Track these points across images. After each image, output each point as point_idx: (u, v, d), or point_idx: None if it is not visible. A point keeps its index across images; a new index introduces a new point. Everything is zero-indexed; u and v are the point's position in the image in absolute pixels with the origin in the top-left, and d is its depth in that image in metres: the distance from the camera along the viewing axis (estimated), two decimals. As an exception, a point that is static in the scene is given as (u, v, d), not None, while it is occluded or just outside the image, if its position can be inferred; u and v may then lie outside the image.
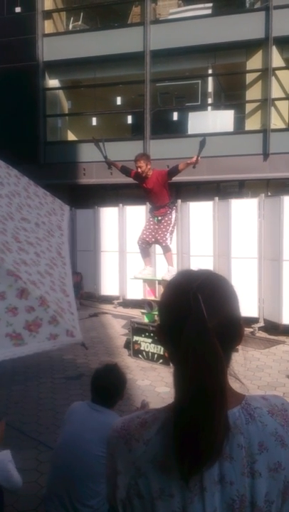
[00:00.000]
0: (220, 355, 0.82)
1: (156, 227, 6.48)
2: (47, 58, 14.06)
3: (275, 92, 12.36)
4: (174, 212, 6.46)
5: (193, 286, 0.86)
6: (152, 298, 6.69)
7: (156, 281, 6.75)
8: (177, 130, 13.52)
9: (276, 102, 12.46)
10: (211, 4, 13.23)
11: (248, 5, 13.20)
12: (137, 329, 6.50)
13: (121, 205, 10.19)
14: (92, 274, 10.66)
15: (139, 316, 7.30)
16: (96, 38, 13.50)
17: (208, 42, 12.36)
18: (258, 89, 12.54)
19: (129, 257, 9.67)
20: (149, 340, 6.33)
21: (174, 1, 14.41)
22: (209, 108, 13.83)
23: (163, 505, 0.85)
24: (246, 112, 12.98)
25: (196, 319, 0.82)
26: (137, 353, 6.52)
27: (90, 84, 14.61)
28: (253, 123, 12.69)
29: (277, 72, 12.38)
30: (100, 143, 6.57)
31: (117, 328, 8.44)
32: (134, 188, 7.15)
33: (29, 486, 3.24)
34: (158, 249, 7.35)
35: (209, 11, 13.07)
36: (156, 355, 6.24)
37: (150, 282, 6.88)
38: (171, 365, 0.91)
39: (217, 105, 14.20)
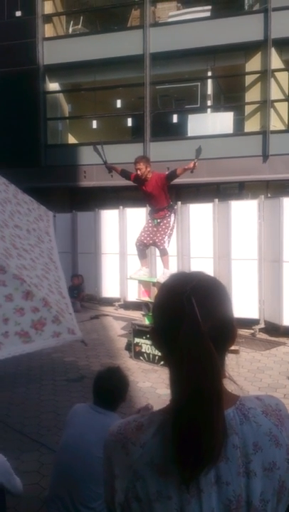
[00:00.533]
0: (215, 358, 0.83)
1: (155, 229, 6.51)
2: (47, 62, 14.11)
3: (275, 93, 12.39)
4: (173, 215, 6.48)
5: (186, 289, 0.87)
6: (147, 299, 6.72)
7: (151, 283, 6.78)
8: (177, 132, 13.56)
9: (275, 104, 12.49)
10: (209, 7, 13.28)
11: (246, 7, 13.25)
12: (138, 331, 6.52)
13: (121, 207, 10.22)
14: (93, 277, 10.69)
15: (140, 318, 7.33)
16: (96, 42, 13.55)
17: (208, 44, 12.41)
18: (258, 91, 12.57)
19: (130, 259, 9.69)
20: (150, 342, 6.35)
21: (173, 4, 14.46)
22: (209, 110, 13.87)
23: (161, 507, 0.85)
24: (246, 113, 13.02)
25: (190, 323, 0.83)
26: (138, 355, 6.54)
27: (90, 87, 14.67)
28: (252, 125, 12.72)
29: (276, 73, 12.42)
30: (99, 148, 6.58)
31: (118, 330, 8.46)
32: (135, 191, 7.17)
33: (31, 488, 3.26)
34: (156, 250, 7.37)
35: (208, 14, 13.12)
36: (157, 357, 6.25)
37: (145, 283, 6.90)
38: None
39: (216, 107, 14.24)
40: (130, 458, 0.89)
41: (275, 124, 12.42)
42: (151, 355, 6.36)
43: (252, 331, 7.77)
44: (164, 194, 6.27)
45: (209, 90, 13.62)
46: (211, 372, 0.82)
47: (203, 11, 13.19)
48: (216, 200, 8.70)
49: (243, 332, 7.83)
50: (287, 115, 12.90)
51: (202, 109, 13.85)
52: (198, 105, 13.90)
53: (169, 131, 13.78)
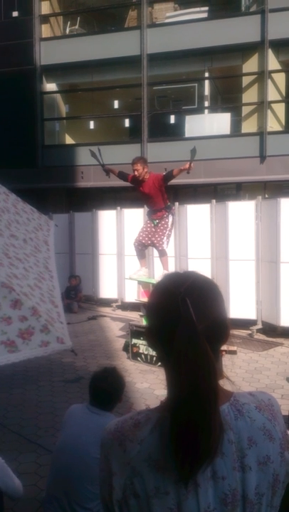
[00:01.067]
0: (211, 357, 0.85)
1: (154, 230, 6.51)
2: (44, 62, 14.10)
3: (271, 94, 12.42)
4: (170, 216, 6.48)
5: (180, 290, 0.88)
6: (146, 300, 6.72)
7: (151, 284, 6.77)
8: (174, 133, 13.57)
9: (272, 105, 12.52)
10: (207, 8, 13.32)
11: (243, 8, 13.28)
12: (136, 332, 6.51)
13: (119, 208, 10.22)
14: (90, 277, 10.68)
15: (138, 318, 7.33)
16: (93, 42, 13.56)
17: (205, 45, 12.43)
18: (255, 92, 12.60)
19: (128, 259, 9.69)
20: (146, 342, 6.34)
21: (170, 5, 14.49)
22: (206, 111, 13.89)
23: (158, 502, 0.87)
24: (243, 114, 13.04)
25: (186, 324, 0.85)
26: (135, 355, 6.54)
27: (87, 87, 14.66)
28: (249, 126, 12.75)
29: (273, 74, 12.45)
30: (97, 153, 6.56)
31: (115, 331, 8.46)
32: (132, 191, 7.17)
33: (28, 489, 3.25)
34: (155, 251, 7.38)
35: (205, 15, 13.15)
36: (154, 358, 6.25)
37: (144, 284, 6.90)
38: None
39: (214, 108, 14.26)
40: (128, 455, 0.90)
41: (272, 125, 12.45)
42: (148, 356, 6.36)
43: (249, 332, 7.78)
44: (161, 195, 6.27)
45: (206, 91, 13.65)
46: (207, 371, 0.84)
47: (201, 12, 13.23)
48: (214, 201, 8.71)
49: (240, 333, 7.84)
50: (284, 116, 12.94)
51: (199, 110, 13.87)
52: (196, 106, 13.92)
53: (167, 132, 13.79)
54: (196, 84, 13.89)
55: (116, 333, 8.28)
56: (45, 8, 14.53)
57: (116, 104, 14.29)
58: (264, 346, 7.24)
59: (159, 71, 13.30)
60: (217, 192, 13.68)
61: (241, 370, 6.10)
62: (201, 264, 8.25)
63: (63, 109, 15.14)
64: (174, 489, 0.87)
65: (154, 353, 6.30)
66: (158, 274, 6.98)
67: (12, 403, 5.11)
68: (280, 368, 6.17)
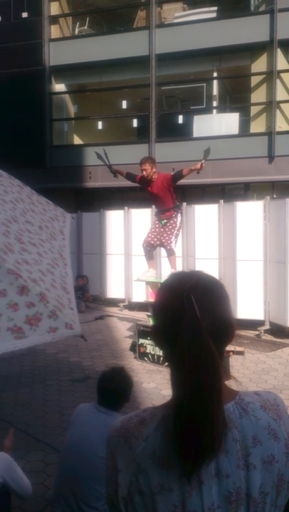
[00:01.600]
0: (215, 355, 0.85)
1: (162, 230, 6.51)
2: (53, 63, 14.16)
3: (280, 94, 12.37)
4: (179, 215, 6.47)
5: (185, 288, 0.89)
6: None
7: (159, 284, 6.78)
8: (182, 133, 13.55)
9: (281, 105, 12.46)
10: (215, 8, 13.28)
11: (252, 8, 13.24)
12: (143, 332, 6.52)
13: (126, 208, 10.23)
14: (97, 277, 10.70)
15: (145, 318, 7.34)
16: (102, 43, 13.58)
17: (213, 45, 12.41)
18: (263, 92, 12.55)
19: (135, 259, 9.70)
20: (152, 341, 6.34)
21: (178, 5, 14.48)
22: (214, 111, 13.86)
23: (163, 499, 0.88)
24: (251, 114, 13.00)
25: (190, 321, 0.85)
26: (142, 355, 6.54)
27: (95, 88, 14.70)
28: (258, 125, 12.70)
29: (282, 74, 12.39)
30: (103, 155, 6.57)
31: (122, 330, 8.47)
32: (140, 191, 7.18)
33: (36, 487, 3.26)
34: (163, 251, 7.38)
35: (214, 15, 13.12)
36: (161, 358, 6.25)
37: (153, 284, 6.90)
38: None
39: (222, 108, 14.23)
40: (133, 451, 0.91)
41: (281, 124, 12.39)
42: (155, 356, 6.36)
43: (257, 332, 7.75)
44: (170, 195, 6.26)
45: (215, 91, 13.62)
46: (211, 368, 0.84)
47: (209, 12, 13.20)
48: (222, 201, 8.69)
49: (248, 333, 7.81)
50: (293, 116, 12.87)
51: (208, 110, 13.84)
52: (204, 106, 13.90)
53: (175, 132, 13.78)
54: (205, 84, 13.86)
55: (123, 333, 8.29)
56: (54, 9, 14.59)
57: (124, 104, 14.31)
58: (272, 347, 7.21)
59: (167, 71, 13.30)
60: (225, 192, 13.64)
61: (249, 370, 6.08)
62: (208, 265, 8.23)
63: (72, 109, 15.19)
64: (178, 486, 0.87)
65: (161, 353, 6.31)
66: (165, 274, 6.97)
67: (20, 402, 5.14)
68: (288, 368, 6.14)
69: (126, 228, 10.15)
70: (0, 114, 14.02)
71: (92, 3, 15.47)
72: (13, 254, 2.01)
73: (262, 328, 7.78)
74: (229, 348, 6.33)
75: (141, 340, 6.56)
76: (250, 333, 7.80)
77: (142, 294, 9.09)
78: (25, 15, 14.36)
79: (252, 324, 7.84)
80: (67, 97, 15.05)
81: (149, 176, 6.14)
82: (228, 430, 0.88)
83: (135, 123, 14.49)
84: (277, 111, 12.27)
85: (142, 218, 9.61)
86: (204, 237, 8.63)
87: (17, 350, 1.87)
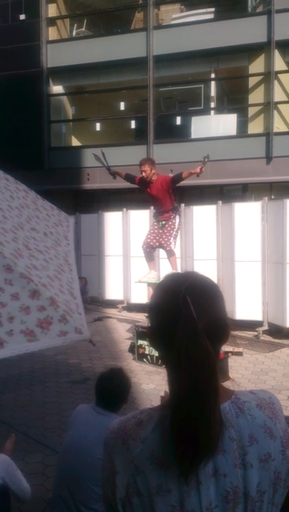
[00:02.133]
0: (211, 355, 0.86)
1: (160, 231, 6.52)
2: (51, 65, 14.18)
3: (278, 95, 12.39)
4: (177, 216, 6.49)
5: (181, 289, 0.90)
6: None
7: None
8: (180, 134, 13.57)
9: (279, 106, 12.49)
10: (213, 9, 13.31)
11: (250, 9, 13.26)
12: (142, 333, 6.53)
13: (125, 209, 10.24)
14: (96, 279, 10.70)
15: (144, 320, 7.34)
16: (99, 44, 13.60)
17: (211, 46, 12.43)
18: (261, 93, 12.58)
19: (133, 261, 9.70)
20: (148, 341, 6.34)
21: (176, 7, 14.50)
22: (212, 112, 13.88)
23: (161, 500, 0.88)
24: (249, 115, 13.02)
25: (186, 321, 0.86)
26: (141, 357, 6.55)
27: (93, 89, 14.71)
28: (255, 126, 12.72)
29: (279, 75, 12.42)
30: (101, 157, 6.58)
31: (121, 332, 8.47)
32: (138, 193, 7.20)
33: (35, 489, 3.26)
34: (162, 253, 7.39)
35: (211, 16, 13.14)
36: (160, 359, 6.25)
37: (154, 286, 6.91)
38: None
39: (220, 109, 14.25)
40: (131, 453, 0.91)
41: (279, 125, 12.42)
42: (154, 357, 6.36)
43: (255, 333, 7.77)
44: (168, 196, 6.28)
45: (213, 92, 13.64)
46: (208, 369, 0.85)
47: (207, 13, 13.22)
48: (220, 202, 8.70)
49: (246, 334, 7.82)
50: (290, 117, 12.90)
51: (205, 111, 13.86)
52: (202, 107, 13.91)
53: (173, 134, 13.80)
54: (202, 86, 13.89)
55: (122, 334, 8.30)
56: (52, 11, 14.61)
57: (122, 105, 14.33)
58: (270, 348, 7.22)
59: (165, 72, 13.32)
60: (223, 193, 13.65)
61: (247, 371, 6.09)
62: (206, 266, 8.24)
63: (70, 111, 15.20)
64: (177, 487, 0.88)
65: (160, 354, 6.32)
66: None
67: (19, 404, 5.14)
68: (286, 369, 6.15)
69: (124, 230, 10.16)
70: (-2, 116, 14.03)
71: (89, 5, 15.49)
72: (23, 259, 2.06)
73: (260, 329, 7.79)
74: (228, 348, 6.34)
75: (140, 342, 6.57)
76: (249, 334, 7.81)
77: (141, 296, 9.11)
78: (22, 17, 14.38)
79: (250, 325, 7.85)
80: (65, 98, 15.06)
81: (148, 178, 6.15)
82: (225, 429, 0.89)
83: (133, 124, 14.51)
84: (275, 112, 12.29)
85: (141, 220, 9.62)
86: (202, 238, 8.64)
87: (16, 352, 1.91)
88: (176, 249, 7.34)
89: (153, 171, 6.15)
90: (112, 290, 10.52)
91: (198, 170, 5.83)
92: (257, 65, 12.61)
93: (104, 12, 15.21)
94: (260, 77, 12.60)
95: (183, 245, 8.96)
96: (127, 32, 14.18)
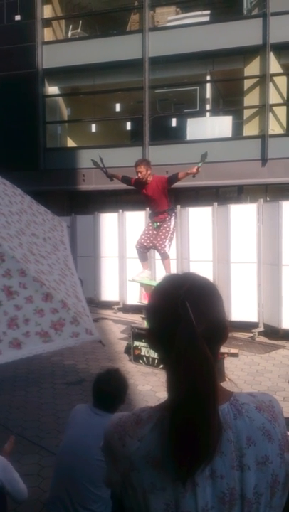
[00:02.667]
0: (210, 359, 0.86)
1: (155, 232, 6.52)
2: (46, 66, 14.17)
3: (273, 97, 12.46)
4: (173, 218, 6.48)
5: (180, 293, 0.90)
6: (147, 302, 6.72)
7: (153, 286, 6.78)
8: (176, 136, 13.60)
9: (274, 108, 12.55)
10: (208, 11, 13.36)
11: (245, 12, 13.32)
12: (138, 334, 6.52)
13: (120, 210, 10.24)
14: (92, 280, 10.69)
15: (140, 321, 7.34)
16: (95, 46, 13.62)
17: (206, 49, 12.48)
18: (256, 95, 12.64)
19: (129, 262, 9.70)
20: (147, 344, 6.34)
21: (172, 9, 14.54)
22: (208, 114, 13.92)
23: (155, 498, 0.88)
24: (244, 117, 13.07)
25: (185, 326, 0.86)
26: (137, 358, 6.54)
27: (89, 91, 14.72)
28: (251, 129, 12.78)
29: (274, 78, 12.49)
30: (98, 162, 6.58)
31: (117, 333, 8.46)
32: (134, 194, 7.20)
33: (31, 490, 3.25)
34: (157, 254, 7.39)
35: (207, 18, 13.19)
36: (156, 361, 6.26)
37: (147, 286, 6.91)
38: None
39: (215, 111, 14.30)
40: (127, 450, 0.92)
41: (274, 127, 12.48)
42: (150, 359, 6.36)
43: (251, 334, 7.78)
44: (164, 197, 6.28)
45: (208, 94, 13.69)
46: (206, 372, 0.85)
47: (202, 16, 13.27)
48: (215, 203, 8.72)
49: (242, 335, 7.84)
50: (285, 119, 12.97)
51: (201, 113, 13.90)
52: (197, 109, 13.95)
53: (168, 135, 13.83)
54: (198, 88, 13.93)
55: (118, 335, 8.29)
56: (47, 12, 14.61)
57: (118, 107, 14.34)
58: (266, 349, 7.24)
59: (160, 74, 13.35)
60: (219, 195, 13.69)
61: (243, 372, 6.10)
62: (202, 267, 8.25)
63: (65, 112, 15.19)
64: (171, 487, 0.87)
65: (155, 355, 6.31)
66: (160, 276, 6.97)
67: (14, 405, 5.12)
68: (282, 370, 6.17)
69: (120, 231, 10.16)
70: (-7, 116, 14.00)
71: (85, 6, 15.50)
72: (31, 264, 2.13)
73: (256, 330, 7.81)
74: (224, 350, 6.35)
75: (136, 343, 6.56)
76: (245, 335, 7.82)
77: (137, 297, 9.10)
78: (18, 18, 14.37)
79: (246, 326, 7.87)
80: (60, 99, 15.05)
81: (144, 178, 6.15)
82: (223, 431, 0.88)
83: (129, 126, 14.53)
84: (270, 114, 12.35)
85: (136, 221, 9.63)
86: (198, 240, 8.66)
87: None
88: (172, 251, 7.34)
89: (148, 172, 6.15)
90: (108, 291, 10.52)
91: (194, 170, 5.84)
92: (252, 68, 12.67)
93: (99, 13, 15.23)
94: (255, 80, 12.66)
95: (179, 246, 8.98)
96: (123, 33, 14.20)
